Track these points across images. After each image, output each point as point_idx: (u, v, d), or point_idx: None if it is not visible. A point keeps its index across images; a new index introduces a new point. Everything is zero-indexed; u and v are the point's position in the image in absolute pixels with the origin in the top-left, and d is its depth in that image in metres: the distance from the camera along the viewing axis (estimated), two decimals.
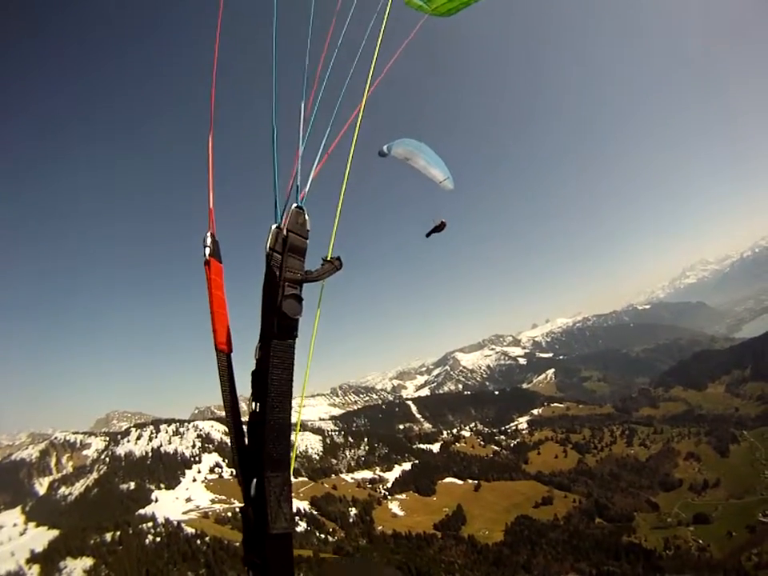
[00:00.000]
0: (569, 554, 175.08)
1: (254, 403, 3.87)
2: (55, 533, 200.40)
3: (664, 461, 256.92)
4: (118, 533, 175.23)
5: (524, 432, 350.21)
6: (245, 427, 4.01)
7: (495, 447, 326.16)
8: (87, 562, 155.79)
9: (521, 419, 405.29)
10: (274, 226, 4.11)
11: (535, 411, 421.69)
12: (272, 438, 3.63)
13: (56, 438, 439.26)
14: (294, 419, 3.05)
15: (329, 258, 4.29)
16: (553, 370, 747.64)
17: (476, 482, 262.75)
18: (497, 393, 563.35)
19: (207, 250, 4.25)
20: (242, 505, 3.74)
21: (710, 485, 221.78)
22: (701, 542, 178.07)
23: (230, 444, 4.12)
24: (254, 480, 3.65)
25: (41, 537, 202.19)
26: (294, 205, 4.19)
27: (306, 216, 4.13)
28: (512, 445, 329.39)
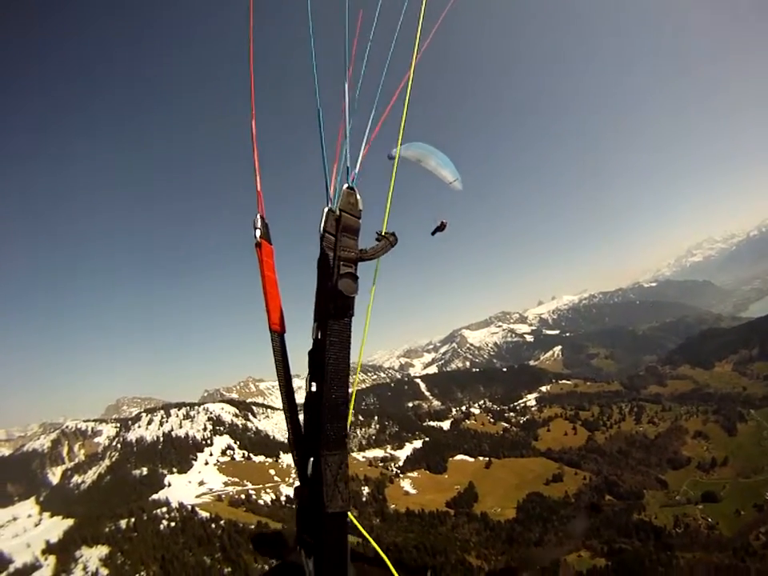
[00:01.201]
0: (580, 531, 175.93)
1: (311, 383, 3.83)
2: (70, 522, 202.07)
3: (672, 439, 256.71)
4: (133, 519, 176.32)
5: (533, 409, 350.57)
6: (299, 408, 4.06)
7: (505, 424, 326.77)
8: (103, 550, 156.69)
9: (529, 396, 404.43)
10: (326, 208, 3.90)
11: (543, 388, 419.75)
12: (329, 417, 3.59)
13: (67, 426, 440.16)
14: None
15: (383, 234, 3.98)
16: (560, 347, 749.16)
17: (487, 459, 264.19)
18: (504, 370, 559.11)
19: (258, 232, 3.76)
20: (297, 485, 3.73)
21: (717, 463, 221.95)
22: (710, 520, 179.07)
23: (285, 424, 4.01)
24: (311, 459, 3.62)
25: (56, 527, 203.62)
26: (346, 185, 4.06)
27: (358, 196, 3.79)
28: (521, 422, 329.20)
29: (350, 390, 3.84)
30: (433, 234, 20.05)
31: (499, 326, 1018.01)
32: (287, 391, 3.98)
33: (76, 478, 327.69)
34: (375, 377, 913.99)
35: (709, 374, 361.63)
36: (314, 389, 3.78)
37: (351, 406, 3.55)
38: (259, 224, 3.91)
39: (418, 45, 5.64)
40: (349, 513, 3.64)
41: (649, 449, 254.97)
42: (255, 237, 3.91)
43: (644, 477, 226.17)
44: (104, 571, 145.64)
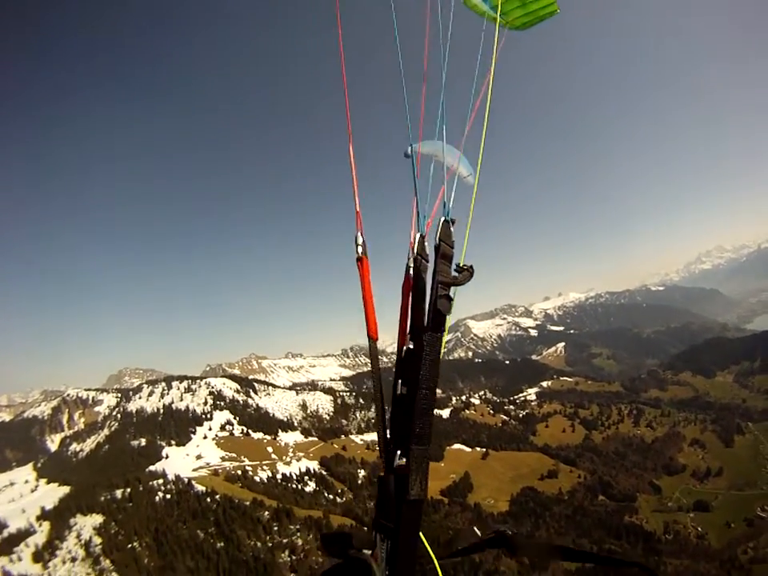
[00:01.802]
0: (571, 529, 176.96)
1: (401, 386, 4.34)
2: (66, 489, 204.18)
3: (669, 444, 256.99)
4: (128, 490, 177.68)
5: (533, 403, 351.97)
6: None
7: (504, 417, 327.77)
8: (97, 519, 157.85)
9: (530, 390, 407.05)
10: (418, 235, 4.89)
11: (544, 383, 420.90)
12: (419, 415, 3.99)
13: (68, 394, 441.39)
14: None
15: (462, 266, 4.50)
16: (563, 343, 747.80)
17: (484, 450, 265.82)
18: (507, 362, 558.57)
19: (360, 249, 4.74)
20: (382, 474, 4.01)
21: (712, 473, 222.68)
22: (699, 529, 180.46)
23: (375, 419, 4.58)
24: (398, 451, 3.95)
25: (52, 493, 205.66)
26: (443, 218, 4.62)
27: (452, 228, 4.58)
28: (521, 415, 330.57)
29: (435, 393, 4.29)
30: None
31: (504, 319, 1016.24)
32: (379, 389, 4.48)
33: (74, 446, 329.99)
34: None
35: (710, 383, 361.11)
36: (403, 392, 4.30)
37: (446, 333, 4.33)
38: (360, 241, 4.75)
39: (491, 82, 6.21)
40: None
41: (645, 452, 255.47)
42: (357, 253, 4.74)
43: (638, 480, 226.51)
44: (97, 540, 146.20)
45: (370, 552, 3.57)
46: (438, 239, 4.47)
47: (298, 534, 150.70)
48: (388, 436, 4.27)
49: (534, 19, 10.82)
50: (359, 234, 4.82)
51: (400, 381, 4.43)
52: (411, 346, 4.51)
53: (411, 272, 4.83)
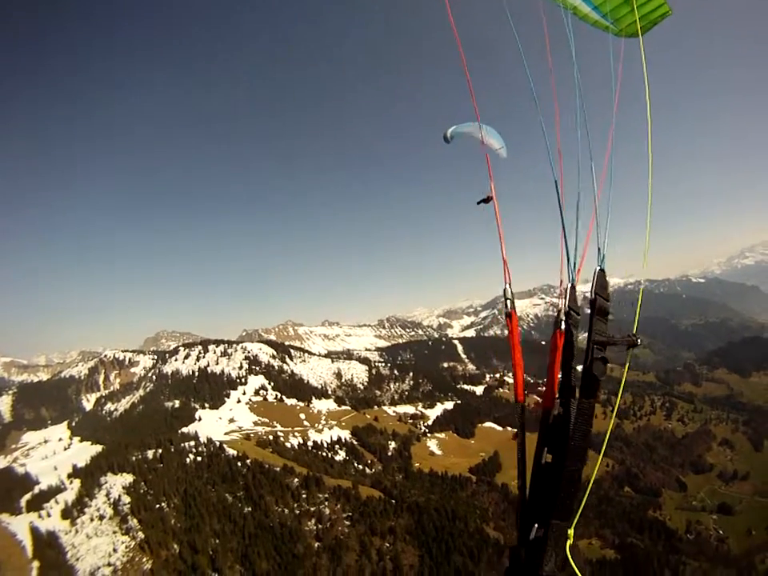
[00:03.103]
0: (595, 519, 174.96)
1: (546, 454, 4.15)
2: (98, 448, 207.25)
3: (699, 441, 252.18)
4: (160, 450, 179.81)
5: None
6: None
7: (537, 398, 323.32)
8: (128, 478, 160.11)
9: None
10: (569, 284, 4.70)
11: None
12: (565, 487, 3.84)
13: (105, 355, 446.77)
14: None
15: (631, 335, 4.48)
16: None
17: (515, 430, 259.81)
18: (543, 343, 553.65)
19: (509, 303, 4.69)
20: (514, 545, 3.85)
21: (738, 476, 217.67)
22: (721, 532, 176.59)
23: (517, 488, 4.29)
24: (535, 525, 3.73)
25: (84, 451, 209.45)
26: (598, 267, 4.47)
27: (607, 278, 4.33)
28: None
29: (584, 465, 4.17)
30: (478, 203, 21.24)
31: (542, 299, 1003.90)
32: (524, 456, 4.31)
33: (109, 406, 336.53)
34: (413, 333, 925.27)
35: (745, 383, 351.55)
36: (549, 460, 4.12)
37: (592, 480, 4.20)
38: (509, 294, 4.72)
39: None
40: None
41: (674, 447, 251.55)
42: (506, 307, 4.71)
43: (665, 475, 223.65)
44: (126, 499, 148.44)
45: None
46: (593, 292, 4.39)
47: (326, 503, 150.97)
48: (529, 505, 4.00)
49: (648, 24, 10.73)
50: (508, 286, 4.74)
51: (546, 449, 4.22)
52: (560, 412, 4.29)
53: (562, 326, 4.67)
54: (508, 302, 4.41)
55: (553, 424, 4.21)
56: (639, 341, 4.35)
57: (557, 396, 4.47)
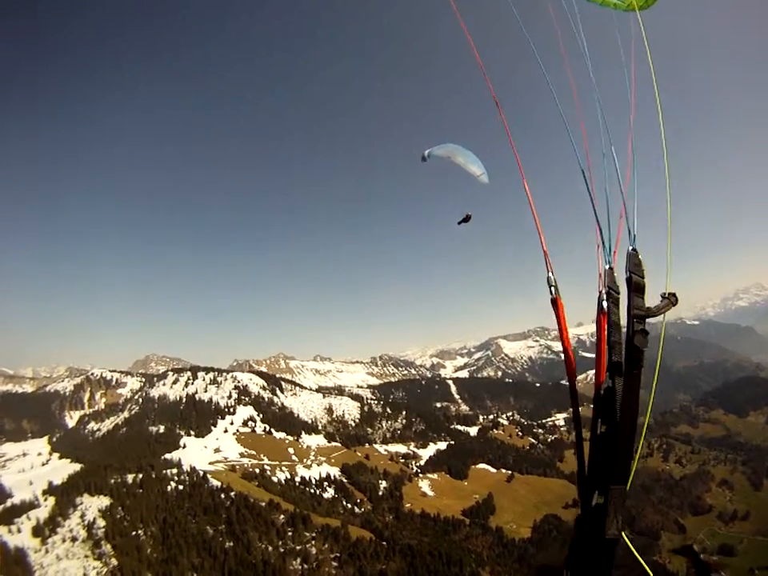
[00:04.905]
0: None
1: (600, 424, 4.38)
2: (77, 467, 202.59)
3: (697, 483, 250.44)
4: (141, 475, 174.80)
5: (562, 429, 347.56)
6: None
7: (532, 440, 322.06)
8: (104, 501, 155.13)
9: (558, 416, 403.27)
10: (607, 266, 4.93)
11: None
12: (620, 454, 4.08)
13: (92, 373, 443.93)
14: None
15: (667, 294, 4.80)
16: (594, 371, 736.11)
17: (509, 472, 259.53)
18: (537, 385, 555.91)
19: (553, 290, 4.95)
20: (580, 513, 4.14)
21: (738, 516, 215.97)
22: (723, 574, 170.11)
23: (576, 459, 4.73)
24: (596, 491, 4.03)
25: (62, 469, 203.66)
26: (630, 247, 4.75)
27: (640, 256, 4.68)
28: (549, 440, 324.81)
29: (637, 431, 4.46)
30: (459, 223, 22.48)
31: (536, 341, 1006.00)
32: (579, 431, 4.75)
33: (92, 425, 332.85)
34: (405, 372, 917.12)
35: (742, 423, 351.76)
36: (603, 430, 4.35)
37: (640, 445, 4.55)
38: (553, 281, 5.00)
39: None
40: (623, 534, 4.01)
41: (672, 489, 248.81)
42: (551, 294, 4.97)
43: (663, 517, 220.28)
44: (101, 522, 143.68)
45: None
46: (628, 271, 4.63)
47: (313, 542, 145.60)
48: (589, 474, 4.33)
49: None
50: (551, 273, 5.06)
51: (600, 420, 4.45)
52: (610, 385, 4.53)
53: (604, 306, 4.89)
54: (552, 288, 4.80)
55: (604, 397, 4.51)
56: (676, 297, 4.68)
57: (606, 371, 4.75)
